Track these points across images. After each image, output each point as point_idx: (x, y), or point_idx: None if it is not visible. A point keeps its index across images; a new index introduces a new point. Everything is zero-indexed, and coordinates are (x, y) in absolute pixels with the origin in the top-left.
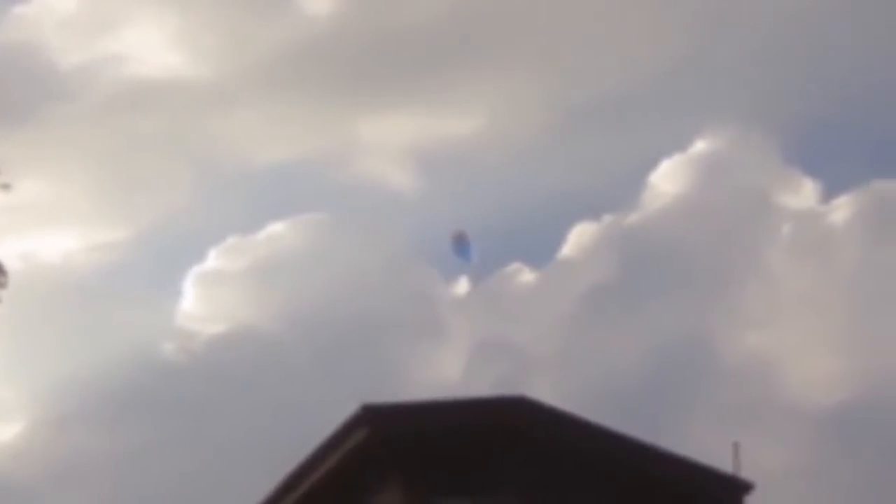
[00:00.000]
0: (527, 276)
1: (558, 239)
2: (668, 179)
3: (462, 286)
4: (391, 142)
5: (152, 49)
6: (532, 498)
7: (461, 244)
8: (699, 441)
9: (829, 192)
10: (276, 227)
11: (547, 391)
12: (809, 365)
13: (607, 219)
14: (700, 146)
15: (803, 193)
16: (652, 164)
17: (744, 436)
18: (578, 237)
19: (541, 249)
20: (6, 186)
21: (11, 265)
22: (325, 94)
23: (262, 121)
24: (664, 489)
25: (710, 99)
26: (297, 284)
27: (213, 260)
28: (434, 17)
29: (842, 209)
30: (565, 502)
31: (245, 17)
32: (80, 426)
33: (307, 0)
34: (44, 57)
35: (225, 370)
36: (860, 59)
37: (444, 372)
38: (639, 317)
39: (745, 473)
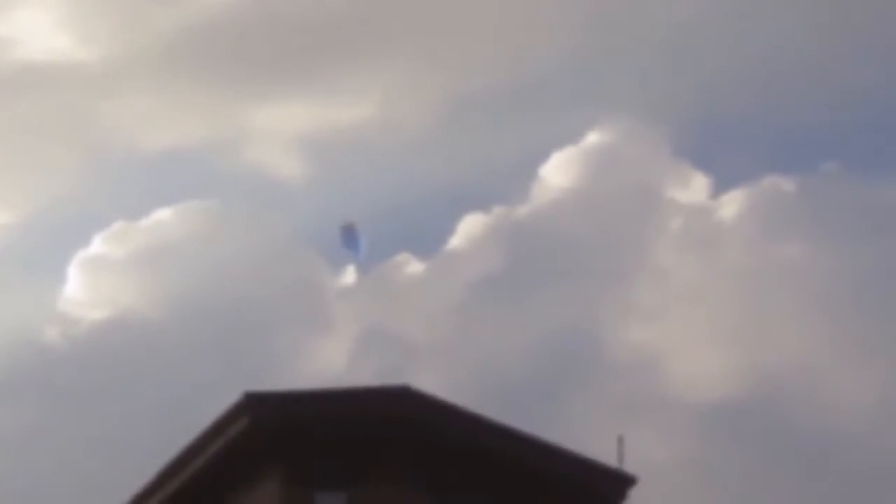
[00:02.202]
0: (414, 266)
1: (447, 230)
2: (558, 172)
3: (349, 275)
4: (281, 130)
5: (40, 31)
6: (414, 489)
7: (349, 236)
8: (584, 434)
9: (719, 187)
10: (163, 214)
11: (432, 382)
12: (696, 359)
13: (497, 210)
14: (591, 139)
15: (693, 188)
16: (543, 156)
17: (629, 429)
18: (467, 228)
19: (429, 240)
20: None
21: None
22: (215, 81)
23: (151, 106)
24: (548, 482)
25: (602, 92)
26: (183, 271)
27: (98, 245)
28: (326, 6)
29: (731, 204)
30: (447, 494)
31: (136, 0)
32: None
33: None
34: None
35: (108, 356)
36: (751, 55)
37: (329, 361)
38: (526, 309)
39: (630, 466)
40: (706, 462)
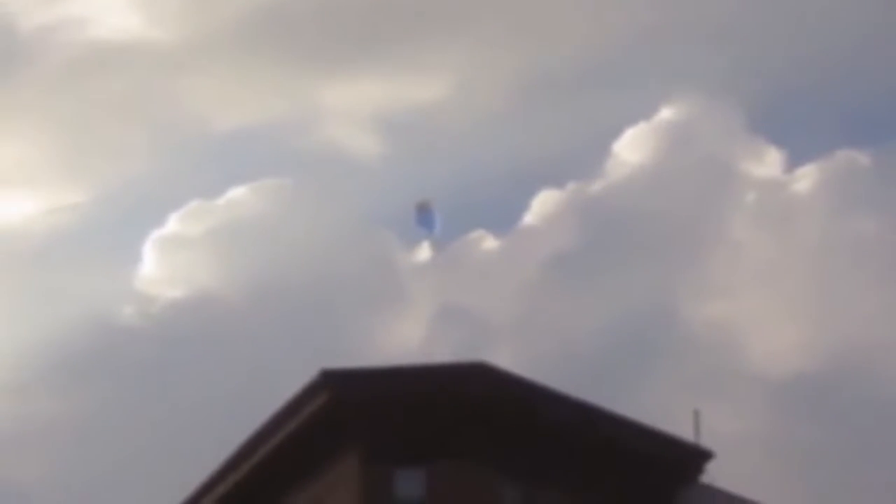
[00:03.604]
0: (489, 243)
1: (522, 206)
2: (632, 148)
3: (424, 252)
4: (355, 107)
5: (113, 11)
6: (491, 465)
7: (424, 214)
8: (660, 409)
9: (794, 162)
10: (238, 192)
11: (508, 358)
12: (771, 334)
13: (571, 186)
14: (665, 115)
15: (768, 162)
16: (617, 132)
17: (704, 404)
18: (542, 205)
19: (504, 216)
20: None
21: None
22: (288, 59)
23: (224, 85)
24: (625, 457)
25: (675, 68)
26: (258, 250)
27: (174, 224)
28: None
29: (806, 178)
30: (524, 469)
31: None
32: (40, 390)
33: None
34: (4, 20)
35: (184, 334)
36: (826, 30)
37: (404, 338)
38: (601, 285)
39: (706, 441)
40: (781, 436)
